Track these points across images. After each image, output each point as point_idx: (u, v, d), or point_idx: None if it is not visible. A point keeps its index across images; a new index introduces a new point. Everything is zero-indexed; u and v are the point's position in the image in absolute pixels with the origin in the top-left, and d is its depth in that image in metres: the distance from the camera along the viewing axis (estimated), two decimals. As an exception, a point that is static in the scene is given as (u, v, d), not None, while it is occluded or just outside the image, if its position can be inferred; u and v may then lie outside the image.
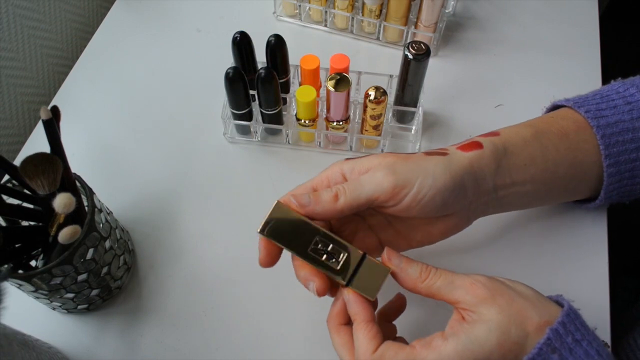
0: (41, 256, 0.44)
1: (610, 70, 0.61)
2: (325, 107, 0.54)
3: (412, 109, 0.55)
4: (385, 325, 0.39)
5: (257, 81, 0.50)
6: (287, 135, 0.56)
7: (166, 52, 0.65)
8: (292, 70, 0.57)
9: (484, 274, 0.35)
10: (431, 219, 0.39)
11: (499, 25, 0.67)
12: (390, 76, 0.57)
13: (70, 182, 0.42)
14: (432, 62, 0.55)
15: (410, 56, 0.50)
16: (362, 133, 0.55)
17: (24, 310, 0.47)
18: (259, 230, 0.36)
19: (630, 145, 0.43)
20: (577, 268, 0.48)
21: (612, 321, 0.45)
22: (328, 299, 0.39)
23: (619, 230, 0.57)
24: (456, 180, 0.37)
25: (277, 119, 0.55)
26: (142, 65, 0.64)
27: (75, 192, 0.41)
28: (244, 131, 0.57)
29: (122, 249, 0.47)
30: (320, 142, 0.57)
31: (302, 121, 0.54)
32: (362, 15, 0.63)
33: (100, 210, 0.43)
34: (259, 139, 0.57)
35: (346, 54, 0.53)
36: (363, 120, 0.53)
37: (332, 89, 0.50)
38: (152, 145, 0.58)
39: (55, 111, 0.41)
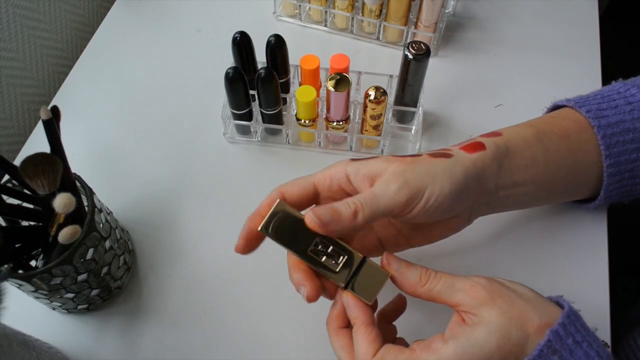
0: (41, 256, 0.44)
1: (610, 70, 0.61)
2: (325, 107, 0.54)
3: (412, 109, 0.55)
4: (386, 326, 0.39)
5: (257, 81, 0.50)
6: (287, 135, 0.56)
7: (166, 52, 0.65)
8: (292, 70, 0.57)
9: (484, 274, 0.35)
10: (433, 221, 0.39)
11: (499, 25, 0.67)
12: (390, 76, 0.57)
13: (70, 182, 0.42)
14: (432, 62, 0.55)
15: (410, 56, 0.50)
16: (362, 133, 0.55)
17: (24, 310, 0.47)
18: (259, 229, 0.36)
19: (631, 146, 0.43)
20: (577, 268, 0.48)
21: (612, 321, 0.45)
22: (328, 301, 0.39)
23: (619, 231, 0.57)
24: (461, 185, 0.37)
25: (277, 119, 0.55)
26: (142, 65, 0.64)
27: (75, 192, 0.41)
28: (244, 131, 0.57)
29: (122, 249, 0.47)
30: (320, 142, 0.57)
31: (302, 121, 0.54)
32: (362, 15, 0.63)
33: (100, 210, 0.43)
34: (259, 139, 0.57)
35: (346, 54, 0.53)
36: (363, 120, 0.53)
37: (332, 89, 0.50)
38: (152, 145, 0.58)
39: (55, 111, 0.41)
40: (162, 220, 0.52)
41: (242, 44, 0.52)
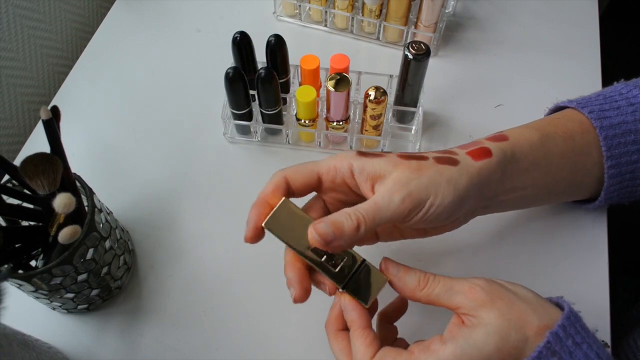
0: (41, 256, 0.44)
1: (610, 70, 0.61)
2: (325, 107, 0.54)
3: (412, 109, 0.55)
4: (387, 326, 0.39)
5: (257, 81, 0.50)
6: (287, 135, 0.56)
7: (166, 52, 0.65)
8: (292, 70, 0.57)
9: (483, 275, 0.35)
10: None
11: (499, 25, 0.67)
12: (390, 76, 0.57)
13: (70, 182, 0.42)
14: (432, 62, 0.55)
15: (410, 56, 0.50)
16: (362, 133, 0.55)
17: (24, 310, 0.47)
18: (263, 224, 0.36)
19: (632, 147, 0.43)
20: (578, 269, 0.48)
21: (612, 322, 0.45)
22: (328, 300, 0.39)
23: (619, 231, 0.57)
24: (462, 195, 0.37)
25: (277, 119, 0.55)
26: (142, 65, 0.64)
27: (75, 192, 0.41)
28: (244, 131, 0.57)
29: (122, 249, 0.47)
30: (320, 142, 0.57)
31: (302, 121, 0.54)
32: (362, 15, 0.63)
33: (100, 210, 0.43)
34: (259, 139, 0.57)
35: (346, 54, 0.53)
36: (363, 120, 0.53)
37: (332, 89, 0.50)
38: (152, 145, 0.58)
39: (55, 111, 0.41)
40: (162, 220, 0.52)
41: (242, 44, 0.52)
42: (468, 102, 0.60)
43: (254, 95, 0.54)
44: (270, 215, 0.36)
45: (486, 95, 0.60)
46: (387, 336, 0.38)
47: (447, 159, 0.38)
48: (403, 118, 0.58)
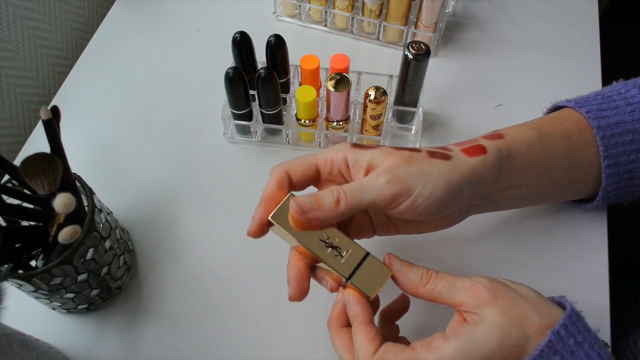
0: (41, 256, 0.44)
1: (610, 70, 0.61)
2: (325, 107, 0.54)
3: (412, 109, 0.55)
4: (388, 325, 0.39)
5: (257, 81, 0.50)
6: (287, 135, 0.56)
7: (166, 52, 0.65)
8: (292, 70, 0.57)
9: (484, 274, 0.35)
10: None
11: (499, 25, 0.67)
12: (390, 76, 0.57)
13: (70, 182, 0.42)
14: (432, 62, 0.55)
15: (410, 56, 0.50)
16: (362, 133, 0.55)
17: (24, 310, 0.47)
18: (270, 217, 0.37)
19: (630, 147, 0.43)
20: (577, 269, 0.48)
21: (612, 322, 0.45)
22: (328, 301, 0.39)
23: (618, 231, 0.57)
24: (454, 190, 0.37)
25: (277, 119, 0.55)
26: (142, 65, 0.64)
27: (75, 192, 0.41)
28: (244, 131, 0.57)
29: (122, 249, 0.47)
30: (320, 142, 0.57)
31: (302, 121, 0.54)
32: (362, 15, 0.63)
33: (100, 210, 0.43)
34: (259, 139, 0.57)
35: (346, 54, 0.53)
36: (363, 120, 0.53)
37: (332, 89, 0.50)
38: (152, 145, 0.58)
39: (55, 111, 0.41)
40: (162, 220, 0.52)
41: (242, 44, 0.52)
42: (468, 102, 0.60)
43: (254, 95, 0.54)
44: (276, 209, 0.37)
45: (486, 95, 0.60)
46: (389, 335, 0.39)
47: (441, 154, 0.38)
48: (403, 118, 0.58)
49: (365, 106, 0.51)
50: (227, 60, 0.55)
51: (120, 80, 0.63)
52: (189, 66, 0.64)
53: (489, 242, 0.50)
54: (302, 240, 0.36)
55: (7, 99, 0.59)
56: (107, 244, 0.43)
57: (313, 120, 0.54)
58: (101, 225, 0.43)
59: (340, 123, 0.54)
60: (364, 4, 0.62)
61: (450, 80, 0.62)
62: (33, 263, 0.44)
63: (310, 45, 0.64)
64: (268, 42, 0.52)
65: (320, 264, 0.37)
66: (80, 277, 0.42)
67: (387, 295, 0.39)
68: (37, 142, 0.58)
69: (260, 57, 0.55)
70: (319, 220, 0.36)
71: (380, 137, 0.54)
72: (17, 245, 0.41)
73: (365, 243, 0.39)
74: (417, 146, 0.56)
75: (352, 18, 0.64)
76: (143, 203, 0.53)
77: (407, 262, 0.37)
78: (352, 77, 0.52)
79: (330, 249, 0.36)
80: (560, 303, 0.35)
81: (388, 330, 0.39)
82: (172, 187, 0.54)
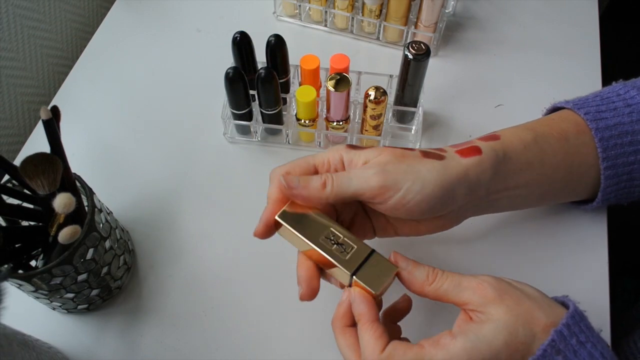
0: (41, 256, 0.44)
1: (610, 70, 0.61)
2: (325, 107, 0.54)
3: (412, 109, 0.55)
4: (390, 326, 0.39)
5: (257, 81, 0.50)
6: (287, 135, 0.56)
7: (166, 52, 0.65)
8: (292, 70, 0.57)
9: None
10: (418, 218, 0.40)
11: (499, 25, 0.67)
12: (390, 76, 0.57)
13: (70, 182, 0.42)
14: (432, 62, 0.55)
15: (410, 56, 0.50)
16: (362, 133, 0.55)
17: (24, 310, 0.47)
18: (277, 216, 0.38)
19: (629, 148, 0.43)
20: (578, 269, 0.48)
21: (612, 322, 0.45)
22: (329, 301, 0.39)
23: (618, 231, 0.57)
24: (446, 189, 0.37)
25: (277, 119, 0.55)
26: (142, 65, 0.64)
27: (75, 192, 0.41)
28: (244, 131, 0.57)
29: (122, 249, 0.47)
30: (320, 142, 0.57)
31: (302, 121, 0.54)
32: (362, 15, 0.63)
33: (100, 210, 0.43)
34: (259, 139, 0.57)
35: (346, 54, 0.53)
36: (363, 120, 0.53)
37: (332, 89, 0.50)
38: (152, 145, 0.58)
39: (55, 111, 0.41)
40: (162, 220, 0.52)
41: (242, 44, 0.52)
42: (468, 102, 0.60)
43: (254, 95, 0.54)
44: (283, 208, 0.38)
45: (486, 95, 0.60)
46: (391, 335, 0.39)
47: (434, 155, 0.39)
48: (403, 118, 0.58)
49: (365, 106, 0.51)
50: (227, 60, 0.55)
51: (120, 80, 0.63)
52: (189, 66, 0.64)
53: (489, 243, 0.50)
54: (307, 238, 0.37)
55: (7, 99, 0.59)
56: (107, 244, 0.43)
57: (313, 120, 0.54)
58: (101, 225, 0.43)
59: (340, 123, 0.54)
60: (364, 4, 0.62)
61: (450, 80, 0.62)
62: (33, 263, 0.44)
63: (310, 45, 0.64)
64: (268, 42, 0.52)
65: (326, 268, 0.37)
66: (80, 277, 0.42)
67: (390, 296, 0.39)
68: (37, 142, 0.58)
69: (260, 57, 0.55)
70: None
71: (380, 137, 0.54)
72: (17, 245, 0.41)
73: (369, 243, 0.39)
74: (417, 146, 0.56)
75: (352, 18, 0.64)
76: (143, 203, 0.53)
77: (413, 261, 0.37)
78: (352, 77, 0.52)
79: (335, 245, 0.37)
80: (563, 302, 0.35)
81: (390, 331, 0.39)
82: (172, 187, 0.54)
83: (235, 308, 0.47)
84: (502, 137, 0.42)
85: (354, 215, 0.42)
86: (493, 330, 0.32)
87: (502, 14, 0.68)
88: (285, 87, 0.56)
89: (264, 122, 0.55)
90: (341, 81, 0.50)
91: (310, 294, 0.37)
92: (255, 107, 0.55)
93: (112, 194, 0.51)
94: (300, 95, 0.51)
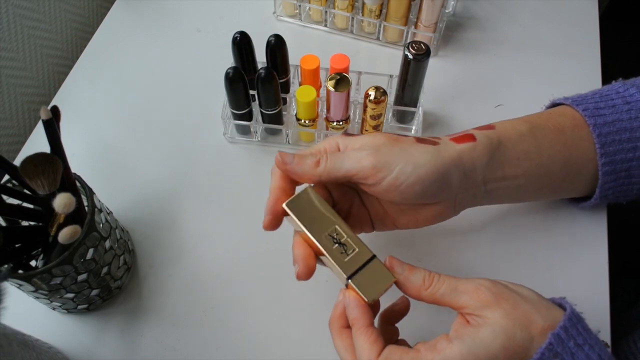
0: (41, 256, 0.44)
1: (610, 70, 0.61)
2: (325, 107, 0.54)
3: (412, 109, 0.55)
4: (388, 328, 0.39)
5: (257, 81, 0.50)
6: (287, 135, 0.56)
7: (166, 52, 0.65)
8: (292, 70, 0.57)
9: (483, 275, 0.35)
10: (415, 205, 0.40)
11: (499, 25, 0.67)
12: (390, 76, 0.57)
13: (70, 182, 0.42)
14: (432, 62, 0.55)
15: (410, 56, 0.50)
16: (362, 133, 0.55)
17: (24, 310, 0.47)
18: (284, 204, 0.38)
19: (627, 145, 0.43)
20: (577, 269, 0.48)
21: (612, 322, 0.45)
22: (329, 301, 0.39)
23: (618, 231, 0.57)
24: (439, 172, 0.38)
25: (277, 119, 0.55)
26: (142, 65, 0.64)
27: (75, 192, 0.41)
28: (244, 131, 0.57)
29: (122, 249, 0.47)
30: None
31: (302, 121, 0.54)
32: (362, 15, 0.63)
33: (100, 210, 0.43)
34: (259, 139, 0.57)
35: (346, 54, 0.53)
36: (363, 120, 0.53)
37: (332, 89, 0.50)
38: (152, 145, 0.58)
39: (55, 111, 0.41)
40: (162, 220, 0.52)
41: (242, 44, 0.52)
42: (468, 102, 0.60)
43: (254, 95, 0.54)
44: (291, 197, 0.38)
45: (486, 95, 0.60)
46: (388, 337, 0.38)
47: (428, 141, 0.40)
48: (403, 118, 0.58)
49: (365, 106, 0.51)
50: (227, 60, 0.55)
51: (120, 80, 0.63)
52: (189, 66, 0.64)
53: (488, 242, 0.50)
54: (311, 233, 0.37)
55: (7, 99, 0.59)
56: (107, 244, 0.43)
57: (313, 120, 0.54)
58: (101, 225, 0.43)
59: (340, 123, 0.54)
60: (364, 4, 0.62)
61: (450, 80, 0.62)
62: (33, 263, 0.44)
63: (310, 45, 0.64)
64: (268, 42, 0.52)
65: (323, 259, 0.37)
66: (80, 277, 0.42)
67: (388, 297, 0.39)
68: (37, 142, 0.58)
69: (260, 57, 0.55)
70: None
71: (380, 137, 0.54)
72: (17, 245, 0.41)
73: (368, 243, 0.39)
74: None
75: (352, 18, 0.64)
76: (143, 203, 0.53)
77: (409, 266, 0.36)
78: (352, 77, 0.52)
79: (337, 245, 0.36)
80: (560, 304, 0.35)
81: (387, 332, 0.39)
82: (172, 187, 0.54)
83: (235, 308, 0.47)
84: (497, 126, 0.43)
85: (350, 204, 0.42)
86: (490, 334, 0.32)
87: (502, 14, 0.68)
88: (285, 87, 0.56)
89: (264, 122, 0.55)
90: (341, 81, 0.50)
91: (307, 272, 0.36)
92: (255, 107, 0.55)
93: (112, 194, 0.51)
94: (300, 95, 0.51)
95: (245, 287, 0.48)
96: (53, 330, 0.46)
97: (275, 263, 0.48)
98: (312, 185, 0.39)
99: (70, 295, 0.43)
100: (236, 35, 0.52)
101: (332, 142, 0.40)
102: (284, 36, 0.52)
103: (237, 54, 0.53)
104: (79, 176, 0.43)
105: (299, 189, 0.40)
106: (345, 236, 0.37)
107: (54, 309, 0.47)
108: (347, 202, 0.42)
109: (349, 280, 0.35)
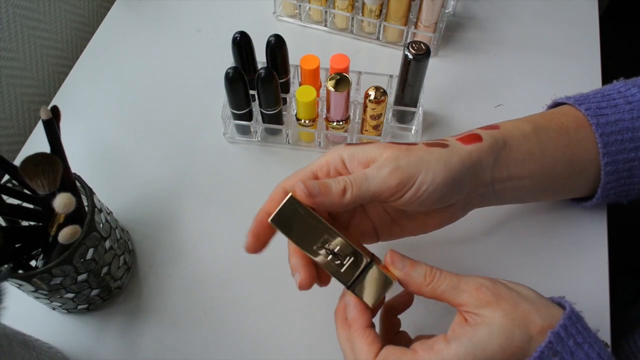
0: (41, 256, 0.44)
1: (610, 70, 0.61)
2: (325, 107, 0.54)
3: (412, 109, 0.55)
4: (390, 319, 0.39)
5: (257, 81, 0.50)
6: (287, 135, 0.56)
7: (166, 52, 0.65)
8: (292, 70, 0.57)
9: (483, 274, 0.35)
10: (428, 210, 0.40)
11: (499, 25, 0.67)
12: (390, 76, 0.57)
13: (70, 182, 0.42)
14: (432, 62, 0.55)
15: (410, 56, 0.50)
16: (362, 133, 0.55)
17: (24, 310, 0.47)
18: (269, 220, 0.36)
19: (629, 145, 0.43)
20: (577, 268, 0.48)
21: (612, 322, 0.45)
22: (329, 301, 0.39)
23: (618, 231, 0.57)
24: (455, 176, 0.37)
25: (277, 119, 0.55)
26: (142, 65, 0.64)
27: (75, 192, 0.41)
28: (244, 131, 0.57)
29: (122, 249, 0.47)
30: (320, 142, 0.57)
31: (302, 121, 0.54)
32: (362, 15, 0.63)
33: (100, 210, 0.43)
34: (259, 139, 0.57)
35: (346, 54, 0.53)
36: (363, 120, 0.53)
37: (332, 89, 0.50)
38: (152, 145, 0.58)
39: (55, 111, 0.41)
40: (162, 220, 0.52)
41: (242, 44, 0.52)
42: (468, 102, 0.60)
43: (254, 95, 0.54)
44: (276, 211, 0.36)
45: (486, 95, 0.60)
46: (390, 328, 0.39)
47: (437, 144, 0.39)
48: (403, 118, 0.58)
49: (365, 106, 0.51)
50: (227, 60, 0.55)
51: (120, 80, 0.63)
52: (189, 66, 0.64)
53: (489, 242, 0.50)
54: (302, 246, 0.35)
55: (7, 99, 0.59)
56: (107, 244, 0.43)
57: (313, 120, 0.54)
58: (101, 225, 0.43)
59: (340, 123, 0.54)
60: (364, 4, 0.62)
61: (450, 80, 0.62)
62: (33, 263, 0.44)
63: (310, 45, 0.64)
64: (268, 42, 0.52)
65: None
66: (80, 277, 0.42)
67: (391, 291, 0.39)
68: (37, 142, 0.58)
69: (260, 57, 0.55)
70: (325, 206, 0.36)
71: (380, 137, 0.54)
72: (17, 245, 0.41)
73: (367, 246, 0.39)
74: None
75: (352, 18, 0.64)
76: (143, 203, 0.53)
77: (411, 260, 0.36)
78: (352, 77, 0.52)
79: (331, 255, 0.35)
80: (560, 303, 0.35)
81: (390, 324, 0.39)
82: (172, 187, 0.54)
83: (235, 308, 0.47)
84: (502, 126, 0.42)
85: (351, 216, 0.41)
86: (488, 334, 0.32)
87: (502, 14, 0.68)
88: (285, 87, 0.56)
89: (264, 122, 0.55)
90: (341, 81, 0.50)
91: (309, 279, 0.36)
92: (255, 107, 0.55)
93: (112, 194, 0.51)
94: (300, 95, 0.51)
95: (245, 287, 0.48)
96: (53, 330, 0.46)
97: (275, 263, 0.48)
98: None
99: (70, 295, 0.43)
100: (236, 35, 0.52)
101: (334, 154, 0.38)
102: (284, 36, 0.52)
103: (237, 54, 0.53)
104: (79, 176, 0.43)
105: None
106: (338, 244, 0.35)
107: (54, 309, 0.47)
108: (347, 214, 0.41)
109: (350, 289, 0.35)
